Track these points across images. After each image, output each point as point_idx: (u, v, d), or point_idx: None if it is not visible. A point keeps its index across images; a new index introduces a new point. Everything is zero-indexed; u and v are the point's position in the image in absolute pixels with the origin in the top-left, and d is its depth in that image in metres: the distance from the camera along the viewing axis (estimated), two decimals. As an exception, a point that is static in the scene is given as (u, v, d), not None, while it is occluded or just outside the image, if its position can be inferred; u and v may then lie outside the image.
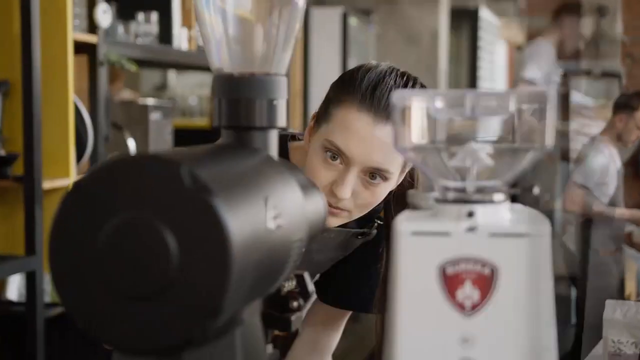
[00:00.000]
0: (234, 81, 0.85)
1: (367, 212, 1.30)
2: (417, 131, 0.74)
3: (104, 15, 2.72)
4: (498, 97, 0.73)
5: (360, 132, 1.22)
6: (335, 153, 1.25)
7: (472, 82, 7.65)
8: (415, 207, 0.78)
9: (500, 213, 0.72)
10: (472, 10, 7.23)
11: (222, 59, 0.87)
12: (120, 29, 3.04)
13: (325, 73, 4.23)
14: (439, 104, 0.73)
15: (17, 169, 2.48)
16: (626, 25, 9.83)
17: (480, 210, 0.71)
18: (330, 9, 4.78)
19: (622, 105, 4.34)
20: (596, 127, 5.41)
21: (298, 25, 0.88)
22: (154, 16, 3.11)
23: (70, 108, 2.58)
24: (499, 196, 0.73)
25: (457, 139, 0.75)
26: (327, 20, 4.71)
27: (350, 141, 1.23)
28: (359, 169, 1.24)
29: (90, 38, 2.73)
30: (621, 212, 4.44)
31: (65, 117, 2.57)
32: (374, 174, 1.25)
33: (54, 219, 0.66)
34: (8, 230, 2.52)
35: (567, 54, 4.60)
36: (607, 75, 9.40)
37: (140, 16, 3.11)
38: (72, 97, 2.58)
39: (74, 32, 2.63)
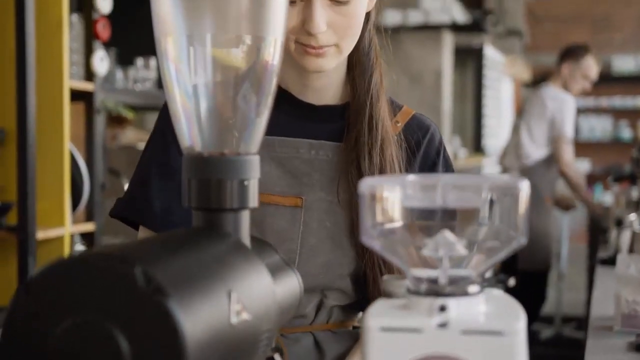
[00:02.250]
0: (204, 161, 0.83)
1: (356, 37, 1.22)
2: (386, 219, 0.72)
3: (101, 62, 2.72)
4: (470, 187, 0.70)
5: None
6: None
7: (477, 119, 7.64)
8: (388, 295, 0.75)
9: (474, 307, 0.69)
10: (477, 48, 7.24)
11: (192, 138, 0.85)
12: (119, 74, 3.04)
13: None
14: (409, 192, 0.71)
15: (11, 218, 2.46)
16: None
17: (453, 304, 0.68)
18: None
19: (569, 54, 4.54)
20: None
21: (270, 103, 0.86)
22: (153, 62, 3.11)
23: (66, 156, 2.56)
24: (473, 288, 0.70)
25: (429, 227, 0.73)
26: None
27: None
28: None
29: (87, 86, 2.72)
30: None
31: (61, 166, 2.55)
32: None
33: (4, 319, 0.63)
34: (1, 280, 2.49)
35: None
36: (511, 33, 9.44)
37: (139, 62, 3.11)
38: (67, 145, 2.56)
39: (71, 80, 2.63)
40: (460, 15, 5.52)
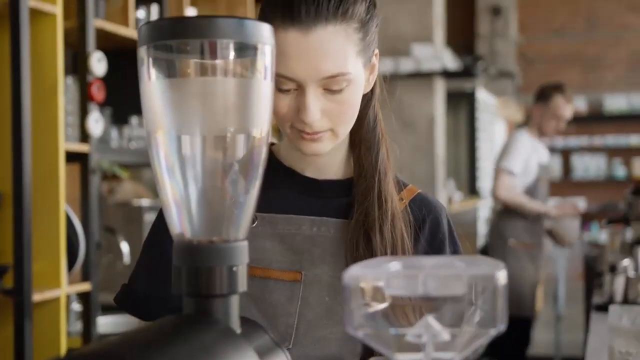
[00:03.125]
0: (193, 249, 0.86)
1: (352, 121, 1.21)
2: (370, 307, 0.74)
3: (96, 124, 2.75)
4: (450, 277, 0.73)
5: (294, 50, 1.13)
6: (283, 81, 1.15)
7: (472, 162, 7.68)
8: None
9: (457, 391, 0.71)
10: (469, 92, 7.31)
11: (182, 226, 0.87)
12: (114, 133, 3.07)
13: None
14: (391, 282, 0.73)
15: (7, 281, 2.47)
16: (521, 25, 9.93)
17: (437, 389, 0.71)
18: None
19: (538, 96, 4.55)
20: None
21: (257, 191, 0.89)
22: (147, 120, 3.15)
23: (62, 218, 2.58)
24: (456, 374, 0.72)
25: (413, 313, 0.75)
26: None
27: (289, 63, 1.13)
28: (314, 86, 1.15)
29: (82, 147, 2.75)
30: (551, 208, 4.52)
31: (57, 228, 2.57)
32: (333, 83, 1.15)
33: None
34: (-3, 343, 2.50)
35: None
36: (503, 74, 9.48)
37: (134, 120, 3.15)
38: (63, 206, 2.59)
39: (67, 142, 2.66)
40: (451, 62, 5.60)
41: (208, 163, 0.86)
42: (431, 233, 1.30)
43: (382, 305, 0.75)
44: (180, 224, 0.87)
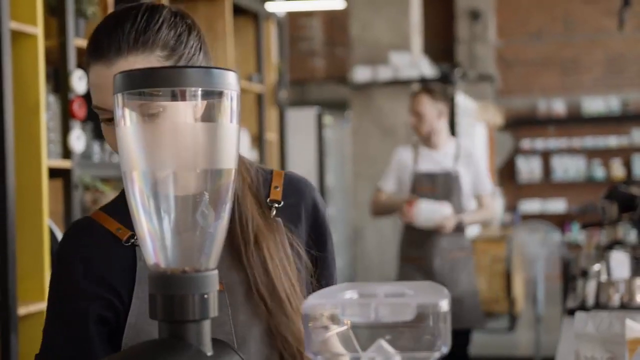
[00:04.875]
0: (167, 278, 0.93)
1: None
2: (326, 333, 0.82)
3: (78, 140, 2.82)
4: (400, 306, 0.80)
5: (101, 81, 1.20)
6: (101, 112, 1.22)
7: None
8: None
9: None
10: (449, 97, 7.40)
11: (156, 256, 0.94)
12: (96, 147, 3.13)
13: (302, 172, 4.32)
14: (346, 310, 0.81)
15: (-8, 296, 2.53)
16: (500, 29, 10.05)
17: (387, 408, 0.78)
18: (305, 110, 4.92)
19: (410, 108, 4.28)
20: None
21: (226, 222, 0.96)
22: (129, 134, 3.21)
23: (45, 233, 2.65)
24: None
25: (366, 337, 0.83)
26: (303, 120, 4.83)
27: (98, 95, 1.21)
28: None
29: (65, 163, 2.82)
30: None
31: (41, 242, 2.63)
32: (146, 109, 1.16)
33: None
34: (-16, 358, 2.55)
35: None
36: (483, 78, 9.50)
37: (115, 134, 3.21)
38: (47, 222, 2.65)
39: (49, 159, 2.72)
40: (428, 69, 5.69)
41: (179, 198, 0.93)
42: (312, 215, 1.37)
43: (339, 330, 0.83)
44: (154, 255, 0.94)
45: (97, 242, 1.29)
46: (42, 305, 2.65)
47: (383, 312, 0.80)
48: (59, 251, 1.31)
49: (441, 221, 4.02)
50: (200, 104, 0.91)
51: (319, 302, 0.81)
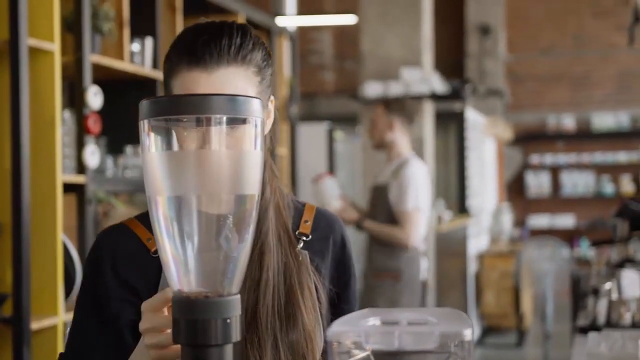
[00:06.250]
0: (190, 303, 0.94)
1: None
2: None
3: (92, 156, 2.83)
4: (423, 335, 0.81)
5: (199, 88, 1.21)
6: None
7: (461, 181, 7.77)
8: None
9: None
10: (458, 112, 7.41)
11: (180, 282, 0.95)
12: (110, 162, 3.15)
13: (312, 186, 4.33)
14: (370, 338, 0.82)
15: (6, 309, 2.54)
16: (510, 44, 10.02)
17: None
18: (316, 125, 4.92)
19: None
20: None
21: (248, 247, 0.97)
22: (142, 149, 3.23)
23: (59, 248, 2.66)
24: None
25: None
26: (314, 135, 4.84)
27: None
28: None
29: (79, 179, 2.83)
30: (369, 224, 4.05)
31: (54, 257, 2.65)
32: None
33: None
34: (-4, 372, 2.56)
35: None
36: (492, 93, 9.44)
37: (129, 149, 3.23)
38: (60, 237, 2.66)
39: (64, 174, 2.74)
40: (439, 85, 5.70)
41: (203, 223, 0.94)
42: (340, 252, 1.40)
43: (361, 357, 0.83)
44: (178, 281, 0.95)
45: (127, 248, 1.32)
46: (56, 320, 2.66)
47: (406, 341, 0.81)
48: (91, 253, 1.34)
49: (336, 203, 4.01)
50: (225, 131, 0.92)
51: (342, 329, 0.82)
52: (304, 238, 1.36)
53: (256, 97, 0.95)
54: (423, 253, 4.16)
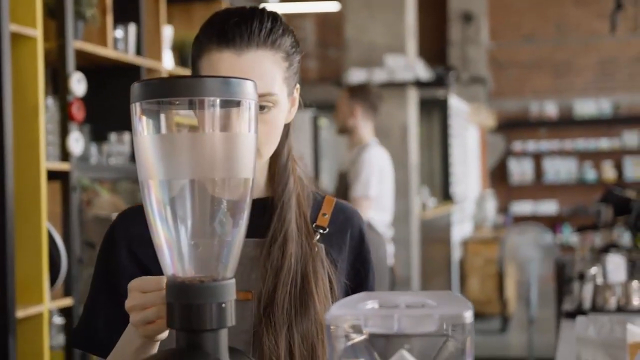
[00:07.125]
0: (185, 288, 0.93)
1: (275, 143, 1.28)
2: (349, 342, 0.82)
3: (76, 143, 2.81)
4: (423, 317, 0.80)
5: (228, 68, 1.22)
6: None
7: (445, 168, 7.79)
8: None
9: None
10: (441, 99, 7.42)
11: (174, 267, 0.94)
12: (94, 149, 3.13)
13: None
14: (369, 321, 0.81)
15: (-9, 299, 2.52)
16: (492, 31, 10.06)
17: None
18: (300, 112, 4.87)
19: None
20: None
21: (243, 231, 0.96)
22: (126, 136, 3.21)
23: (44, 235, 2.64)
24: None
25: (388, 349, 0.83)
26: (298, 123, 4.80)
27: None
28: None
29: (63, 166, 2.81)
30: None
31: (39, 245, 2.62)
32: (260, 101, 1.19)
33: None
34: (-18, 360, 2.54)
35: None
36: (475, 80, 9.46)
37: (113, 137, 3.21)
38: (45, 225, 2.64)
39: (48, 161, 2.71)
40: (423, 72, 5.70)
41: (197, 207, 0.93)
42: (358, 247, 1.39)
43: (360, 339, 0.83)
44: (172, 265, 0.94)
45: (142, 230, 1.30)
46: (41, 308, 2.64)
47: (405, 324, 0.80)
48: (108, 232, 1.34)
49: None
50: (218, 114, 0.91)
51: (341, 312, 0.81)
52: (321, 231, 1.35)
53: (250, 80, 0.93)
54: (389, 239, 4.18)
